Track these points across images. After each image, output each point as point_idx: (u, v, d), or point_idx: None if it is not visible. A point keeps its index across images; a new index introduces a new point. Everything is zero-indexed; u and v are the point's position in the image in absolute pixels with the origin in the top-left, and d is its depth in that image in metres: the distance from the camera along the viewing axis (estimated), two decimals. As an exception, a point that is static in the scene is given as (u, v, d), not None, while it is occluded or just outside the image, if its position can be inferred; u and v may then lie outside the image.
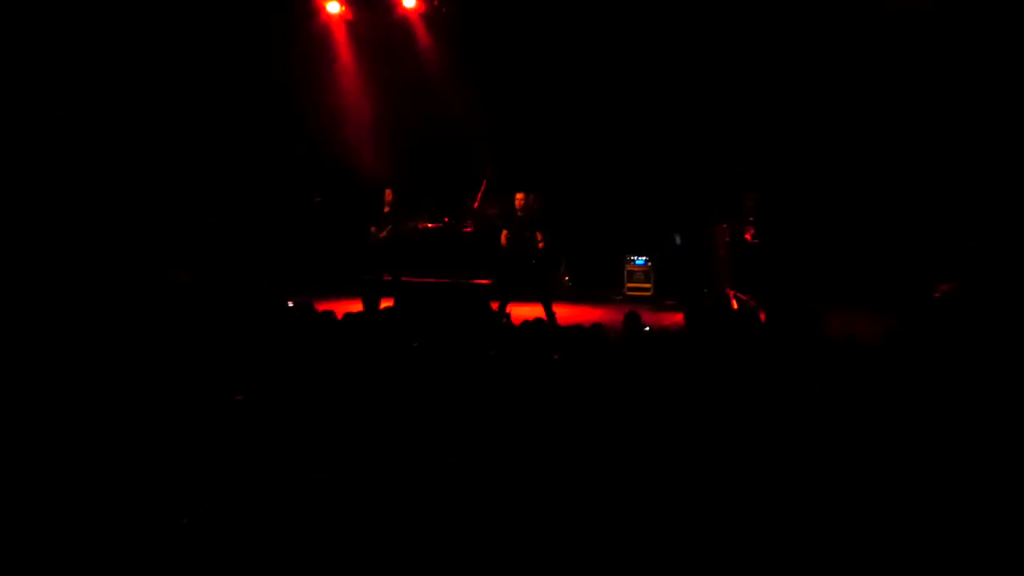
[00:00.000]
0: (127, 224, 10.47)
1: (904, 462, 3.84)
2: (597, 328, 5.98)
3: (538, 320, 6.89)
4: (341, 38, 12.41)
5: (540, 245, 9.00)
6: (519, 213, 9.20)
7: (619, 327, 6.63)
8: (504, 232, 9.36)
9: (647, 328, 6.49)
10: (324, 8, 12.12)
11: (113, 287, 8.11)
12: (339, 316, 6.45)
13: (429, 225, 10.16)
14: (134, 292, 7.65)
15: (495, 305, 8.88)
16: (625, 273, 11.66)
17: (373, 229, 9.99)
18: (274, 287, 10.44)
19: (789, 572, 3.12)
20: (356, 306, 9.48)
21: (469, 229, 12.34)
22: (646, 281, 11.54)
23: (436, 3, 12.11)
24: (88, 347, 4.79)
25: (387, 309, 8.59)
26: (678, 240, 11.29)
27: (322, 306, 7.56)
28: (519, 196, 9.19)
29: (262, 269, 11.43)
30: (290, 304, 7.45)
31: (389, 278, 10.40)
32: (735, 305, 9.51)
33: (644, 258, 11.59)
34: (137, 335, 5.25)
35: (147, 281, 8.79)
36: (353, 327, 6.24)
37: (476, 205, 12.22)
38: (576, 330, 5.96)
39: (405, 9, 12.09)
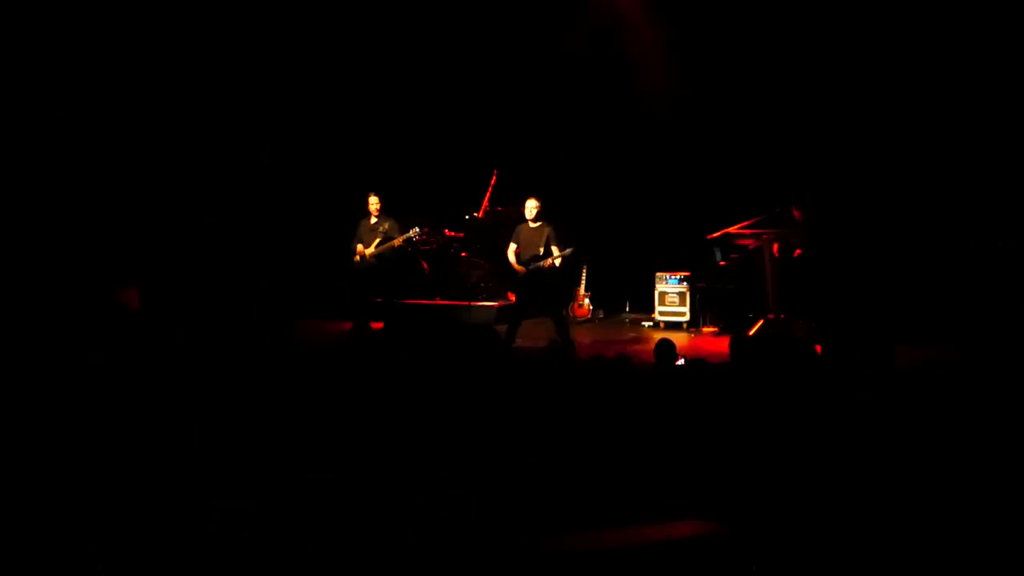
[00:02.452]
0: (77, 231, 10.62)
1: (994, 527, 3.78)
2: (622, 359, 5.96)
3: (554, 348, 6.80)
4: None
5: (556, 260, 9.00)
6: (531, 222, 9.21)
7: (649, 358, 6.60)
8: (512, 245, 9.37)
9: (682, 360, 6.40)
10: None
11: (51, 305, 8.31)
12: (327, 341, 6.50)
13: (416, 236, 10.08)
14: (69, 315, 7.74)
15: (502, 329, 8.87)
16: (656, 294, 11.63)
17: (359, 251, 9.96)
18: (247, 313, 10.64)
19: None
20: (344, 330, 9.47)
21: (464, 254, 12.41)
22: (681, 304, 11.50)
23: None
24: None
25: (375, 336, 8.56)
26: (719, 256, 11.23)
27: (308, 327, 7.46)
28: (531, 202, 9.17)
29: (231, 293, 11.64)
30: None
31: (379, 300, 10.41)
32: (785, 333, 9.47)
33: (679, 277, 11.55)
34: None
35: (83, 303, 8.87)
36: (336, 362, 6.37)
37: (481, 213, 12.33)
38: (598, 361, 5.91)
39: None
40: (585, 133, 12.70)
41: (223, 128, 11.92)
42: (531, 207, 9.17)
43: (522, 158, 12.60)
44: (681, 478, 4.41)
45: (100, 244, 10.79)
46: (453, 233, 12.48)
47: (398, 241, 9.81)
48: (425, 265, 12.22)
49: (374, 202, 10.05)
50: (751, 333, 9.48)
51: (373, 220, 10.12)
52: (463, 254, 12.35)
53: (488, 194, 12.41)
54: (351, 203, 11.08)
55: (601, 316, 12.52)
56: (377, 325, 9.94)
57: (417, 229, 9.87)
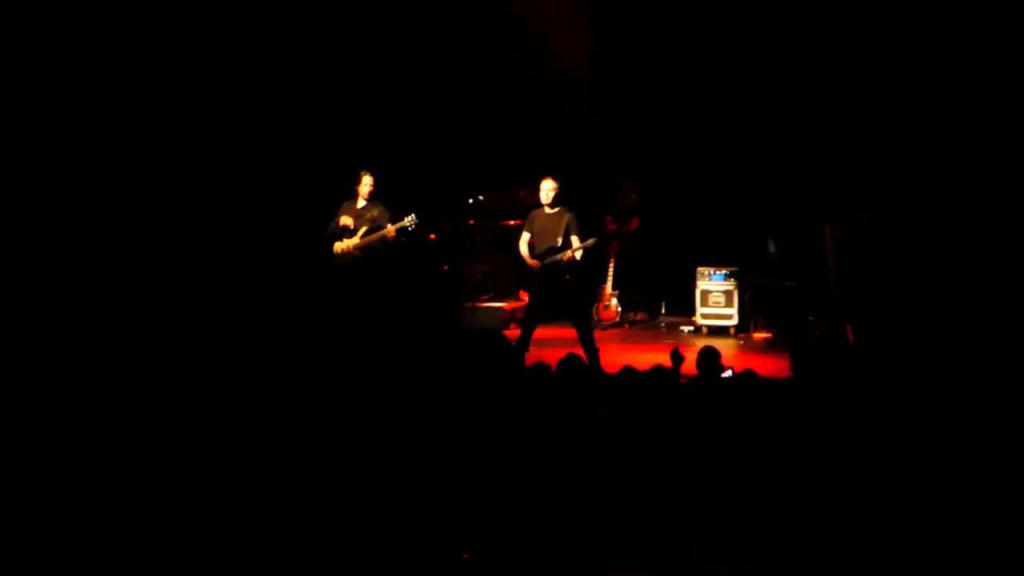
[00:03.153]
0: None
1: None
2: (658, 371, 5.86)
3: (574, 358, 6.79)
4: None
5: (577, 252, 8.98)
6: (547, 207, 9.19)
7: (690, 370, 6.57)
8: (525, 235, 9.36)
9: (728, 372, 6.37)
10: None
11: None
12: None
13: (412, 226, 10.07)
14: None
15: (513, 335, 8.88)
16: (698, 293, 11.58)
17: (340, 232, 9.93)
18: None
19: None
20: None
21: (478, 231, 12.42)
22: (727, 305, 11.45)
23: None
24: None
25: (356, 348, 8.57)
26: (773, 248, 11.17)
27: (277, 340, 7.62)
28: (547, 183, 9.15)
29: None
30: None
31: (365, 302, 10.40)
32: (852, 339, 9.37)
33: (725, 272, 11.49)
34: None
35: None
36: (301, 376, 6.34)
37: (487, 196, 12.32)
38: (627, 374, 5.86)
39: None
40: (609, 97, 12.65)
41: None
42: (547, 189, 9.11)
43: (535, 129, 12.59)
44: (724, 515, 4.44)
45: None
46: (452, 220, 12.49)
47: (391, 231, 9.77)
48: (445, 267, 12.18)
49: (367, 183, 9.98)
50: (813, 340, 9.43)
51: (360, 204, 10.08)
52: (467, 245, 12.36)
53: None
54: (325, 183, 11.13)
55: (640, 319, 12.49)
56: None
57: (414, 217, 9.84)
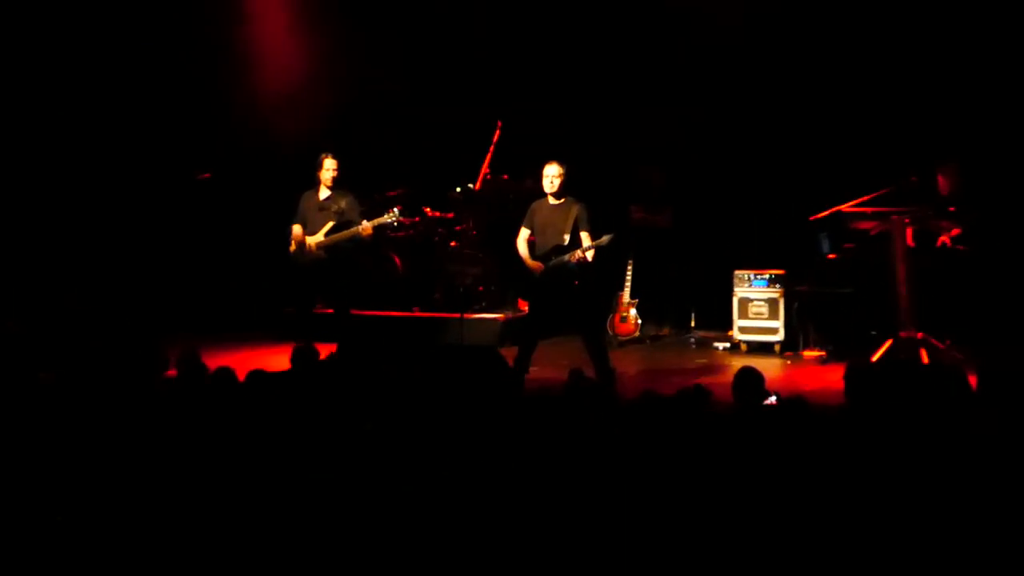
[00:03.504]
0: None
1: None
2: (686, 397, 5.91)
3: (583, 381, 6.76)
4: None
5: (588, 252, 8.96)
6: (551, 198, 9.18)
7: (725, 395, 6.53)
8: (525, 231, 9.37)
9: (772, 399, 6.34)
10: None
11: None
12: (242, 375, 6.60)
13: (396, 221, 10.08)
14: None
15: (510, 353, 8.83)
16: (735, 302, 11.57)
17: (299, 237, 9.93)
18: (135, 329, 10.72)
19: None
20: (279, 358, 9.47)
21: (467, 226, 12.41)
22: (771, 316, 11.43)
23: None
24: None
25: (326, 361, 8.54)
26: (827, 246, 11.17)
27: (219, 358, 7.71)
28: (551, 169, 9.13)
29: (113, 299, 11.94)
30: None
31: (330, 311, 10.40)
32: (927, 359, 9.40)
33: (768, 276, 11.50)
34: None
35: None
36: (265, 396, 6.33)
37: (479, 185, 12.32)
38: (649, 400, 5.84)
39: None
40: (628, 69, 12.68)
41: None
42: (551, 176, 9.10)
43: (539, 107, 12.56)
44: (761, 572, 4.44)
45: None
46: (438, 213, 12.48)
47: (367, 229, 9.76)
48: (397, 260, 12.27)
49: (330, 167, 9.97)
50: (875, 359, 9.39)
51: (323, 194, 10.05)
52: (452, 243, 12.34)
53: (489, 157, 12.41)
54: (283, 171, 11.24)
55: (665, 334, 12.49)
56: (326, 348, 9.90)
57: (396, 211, 9.85)
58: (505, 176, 12.39)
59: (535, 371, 9.16)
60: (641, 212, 12.51)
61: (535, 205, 9.33)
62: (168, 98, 12.96)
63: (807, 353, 11.08)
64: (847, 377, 6.32)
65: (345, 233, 9.86)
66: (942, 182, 10.05)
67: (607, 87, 12.81)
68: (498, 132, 12.43)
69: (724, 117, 12.35)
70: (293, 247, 10.04)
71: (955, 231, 9.99)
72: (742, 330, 11.53)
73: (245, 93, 12.90)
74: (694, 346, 11.95)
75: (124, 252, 12.87)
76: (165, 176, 13.00)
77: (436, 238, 12.46)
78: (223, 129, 12.98)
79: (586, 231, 9.04)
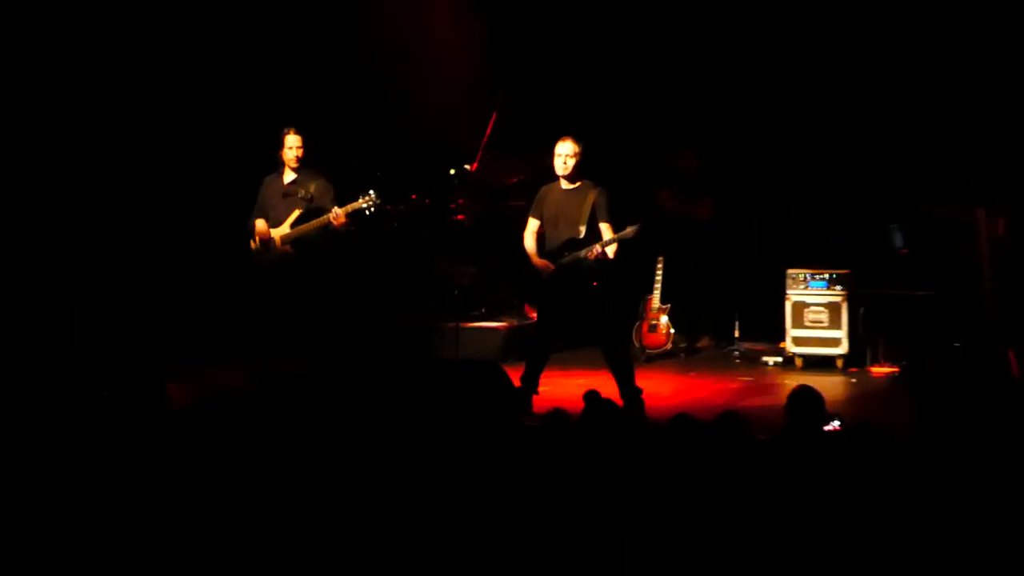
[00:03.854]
0: None
1: None
2: (729, 422, 5.91)
3: (603, 403, 6.76)
4: None
5: (608, 248, 8.97)
6: (564, 181, 9.19)
7: (776, 420, 6.56)
8: (533, 222, 9.39)
9: (835, 424, 6.34)
10: None
11: None
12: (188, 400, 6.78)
13: (373, 207, 10.06)
14: None
15: (516, 369, 8.86)
16: (788, 307, 11.59)
17: (263, 232, 9.93)
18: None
19: None
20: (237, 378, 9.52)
21: (462, 217, 12.43)
22: (832, 324, 11.44)
23: None
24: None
25: (293, 380, 8.57)
26: (900, 241, 11.16)
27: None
28: (565, 146, 9.13)
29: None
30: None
31: (300, 320, 10.40)
32: (1018, 373, 9.42)
33: (829, 276, 11.51)
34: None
35: None
36: (218, 426, 6.38)
37: (476, 166, 12.33)
38: (683, 425, 5.85)
39: None
40: (657, 25, 12.72)
41: None
42: (565, 155, 9.11)
43: (549, 75, 12.61)
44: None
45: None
46: (427, 200, 12.50)
47: (339, 217, 9.75)
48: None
49: (293, 144, 9.98)
50: (954, 376, 9.38)
51: (288, 178, 10.07)
52: (444, 237, 12.38)
53: (489, 130, 12.45)
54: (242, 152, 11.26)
55: (703, 346, 12.52)
56: (293, 364, 9.93)
57: (372, 195, 9.83)
58: (508, 156, 12.39)
59: (546, 391, 9.20)
60: (674, 199, 12.49)
61: (545, 190, 9.34)
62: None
63: (876, 369, 11.11)
64: (915, 400, 6.34)
65: (313, 223, 9.85)
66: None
67: (632, 48, 12.84)
68: (501, 101, 12.42)
69: (772, 86, 12.40)
70: (254, 243, 10.03)
71: None
72: (797, 341, 11.54)
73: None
74: (738, 360, 11.99)
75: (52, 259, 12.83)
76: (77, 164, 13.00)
77: (425, 231, 12.45)
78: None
79: (606, 222, 9.04)
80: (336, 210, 9.74)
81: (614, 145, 11.78)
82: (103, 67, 12.68)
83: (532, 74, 12.77)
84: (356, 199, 9.82)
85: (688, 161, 12.58)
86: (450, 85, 12.66)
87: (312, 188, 9.96)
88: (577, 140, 9.15)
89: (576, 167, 9.12)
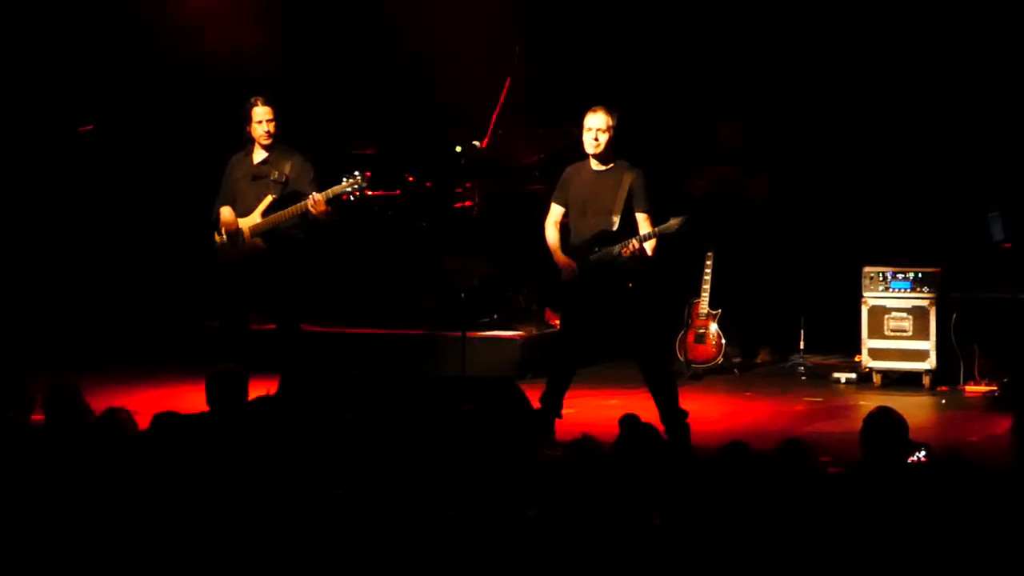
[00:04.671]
0: None
1: None
2: (792, 451, 5.92)
3: (642, 427, 6.81)
4: None
5: (648, 243, 9.01)
6: (595, 163, 9.22)
7: (851, 448, 6.58)
8: (557, 209, 9.43)
9: (921, 454, 6.38)
10: None
11: None
12: (144, 420, 6.67)
13: (359, 191, 10.09)
14: None
15: (535, 388, 8.90)
16: (864, 313, 11.62)
17: (229, 222, 9.95)
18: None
19: None
20: (194, 398, 9.55)
21: (470, 203, 12.47)
22: (918, 334, 11.45)
23: None
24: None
25: (261, 401, 8.62)
26: (1001, 233, 11.16)
27: (107, 398, 7.76)
28: (596, 118, 9.14)
29: None
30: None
31: (271, 326, 10.47)
32: None
33: (913, 276, 11.51)
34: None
35: None
36: (177, 450, 6.40)
37: (486, 142, 12.33)
38: (735, 457, 5.90)
39: None
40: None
41: None
42: (596, 128, 9.12)
43: (577, 27, 12.71)
44: None
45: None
46: (428, 184, 12.58)
47: (318, 204, 9.79)
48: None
49: (263, 117, 10.00)
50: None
51: (259, 157, 10.12)
52: (449, 227, 12.46)
53: (503, 98, 12.53)
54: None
55: (763, 361, 12.56)
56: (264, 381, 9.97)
57: (358, 177, 9.86)
58: (526, 129, 12.42)
59: (571, 414, 9.22)
60: (711, 183, 12.42)
61: (571, 171, 9.36)
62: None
63: (971, 388, 11.13)
64: (1016, 424, 6.36)
65: (288, 211, 9.84)
66: None
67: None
68: (517, 61, 12.46)
69: (838, 48, 12.49)
70: (220, 237, 10.05)
71: None
72: (875, 354, 11.57)
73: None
74: (804, 377, 12.01)
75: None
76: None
77: (425, 221, 12.52)
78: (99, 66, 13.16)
79: (645, 211, 9.05)
80: (315, 195, 9.73)
81: (654, 116, 11.79)
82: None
83: (557, 26, 12.79)
84: (341, 182, 9.83)
85: (730, 134, 12.54)
86: (458, 38, 12.70)
87: (287, 169, 9.96)
88: (611, 111, 9.12)
89: (609, 144, 9.11)
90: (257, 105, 9.96)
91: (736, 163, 12.42)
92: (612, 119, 9.10)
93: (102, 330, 12.71)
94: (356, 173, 9.79)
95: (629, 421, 6.79)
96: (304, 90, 12.44)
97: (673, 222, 8.93)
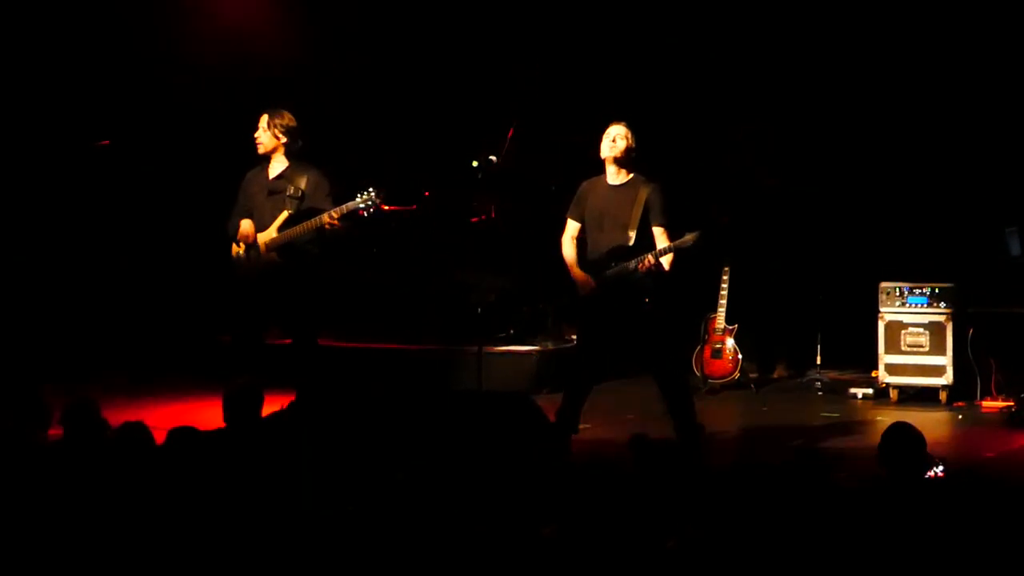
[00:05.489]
0: None
1: None
2: (808, 466, 5.96)
3: (657, 444, 6.80)
4: None
5: (664, 257, 8.99)
6: (611, 176, 9.18)
7: (869, 465, 6.61)
8: (573, 225, 9.41)
9: (938, 469, 6.36)
10: None
11: None
12: (160, 436, 6.70)
13: (372, 206, 10.09)
14: None
15: (551, 403, 8.92)
16: (881, 329, 11.61)
17: (247, 234, 9.95)
18: None
19: None
20: (209, 413, 9.55)
21: (484, 216, 12.47)
22: (935, 349, 11.43)
23: None
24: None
25: (276, 418, 8.63)
26: (1018, 248, 11.12)
27: (124, 413, 7.79)
28: (615, 132, 9.12)
29: None
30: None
31: (287, 341, 10.47)
32: None
33: (930, 291, 11.50)
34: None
35: None
36: (191, 466, 6.41)
37: (502, 158, 12.34)
38: (753, 472, 5.91)
39: None
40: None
41: None
42: (613, 143, 9.12)
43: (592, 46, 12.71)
44: None
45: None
46: (445, 198, 12.59)
47: (332, 219, 9.79)
48: None
49: (269, 132, 10.01)
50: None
51: (274, 171, 10.12)
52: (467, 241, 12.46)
53: (510, 134, 12.47)
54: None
55: (779, 376, 12.58)
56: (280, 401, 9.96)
57: (371, 192, 9.84)
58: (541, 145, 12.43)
59: (587, 429, 9.24)
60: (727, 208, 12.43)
61: (586, 186, 9.33)
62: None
63: (988, 403, 11.11)
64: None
65: (304, 226, 9.82)
66: None
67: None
68: (532, 76, 12.48)
69: (856, 62, 12.49)
70: (238, 249, 10.04)
71: None
72: (891, 369, 11.56)
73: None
74: (820, 393, 12.01)
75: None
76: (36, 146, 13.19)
77: (442, 235, 12.54)
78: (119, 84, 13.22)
79: (661, 226, 9.02)
80: (329, 212, 9.70)
81: (670, 131, 11.80)
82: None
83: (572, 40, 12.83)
84: (355, 198, 9.79)
85: (740, 137, 12.57)
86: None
87: (303, 184, 9.93)
88: (629, 126, 9.13)
89: (627, 152, 9.10)
90: (268, 118, 9.97)
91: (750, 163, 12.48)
92: (630, 132, 9.10)
93: (119, 344, 12.73)
94: (370, 189, 9.76)
95: (639, 441, 6.80)
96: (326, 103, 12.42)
97: (689, 237, 8.88)
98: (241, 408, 7.37)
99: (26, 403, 7.62)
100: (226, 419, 7.38)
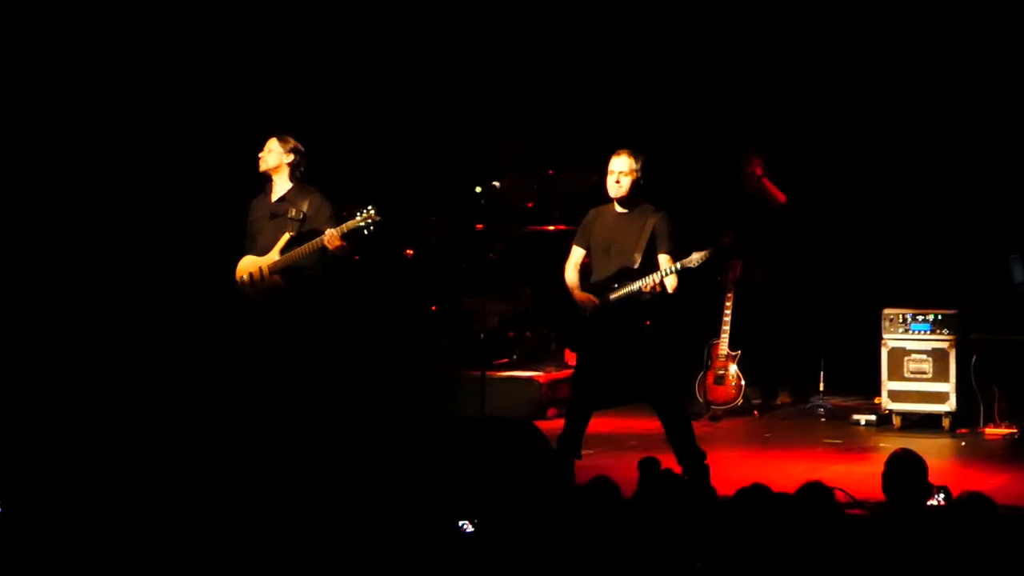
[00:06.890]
0: None
1: None
2: (812, 494, 5.92)
3: (660, 470, 6.81)
4: None
5: (668, 279, 8.95)
6: (618, 207, 9.16)
7: (873, 492, 6.62)
8: (578, 252, 9.37)
9: (940, 497, 6.37)
10: None
11: None
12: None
13: (372, 225, 10.07)
14: None
15: (554, 428, 8.91)
16: (884, 355, 11.59)
17: (248, 266, 9.96)
18: None
19: None
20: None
21: (489, 244, 12.47)
22: (938, 376, 11.41)
23: None
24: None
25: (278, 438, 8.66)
26: (1021, 274, 11.10)
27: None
28: (620, 162, 9.09)
29: None
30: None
31: (290, 364, 10.44)
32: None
33: (933, 317, 11.50)
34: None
35: None
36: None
37: (508, 181, 12.34)
38: (756, 500, 5.88)
39: None
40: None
41: None
42: (619, 172, 9.07)
43: (598, 71, 12.74)
44: None
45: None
46: (447, 225, 12.58)
47: (333, 239, 9.78)
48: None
49: (277, 152, 10.02)
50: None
51: (277, 195, 10.11)
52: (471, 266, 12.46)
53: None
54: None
55: (782, 403, 12.54)
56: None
57: (372, 211, 9.83)
58: (550, 171, 12.41)
59: (590, 456, 9.20)
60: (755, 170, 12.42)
61: (593, 214, 9.31)
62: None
63: (991, 430, 11.10)
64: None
65: (306, 248, 9.79)
66: None
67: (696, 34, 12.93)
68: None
69: (859, 86, 12.53)
70: (242, 275, 10.03)
71: None
72: (895, 396, 11.55)
73: None
74: (823, 419, 12.00)
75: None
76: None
77: (445, 261, 12.54)
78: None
79: (667, 253, 8.98)
80: (330, 231, 9.69)
81: (677, 157, 11.81)
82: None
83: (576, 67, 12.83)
84: (355, 216, 9.76)
85: (749, 165, 12.54)
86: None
87: (305, 206, 9.90)
88: (635, 155, 9.07)
89: (633, 187, 9.04)
90: (274, 142, 9.98)
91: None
92: (637, 163, 9.03)
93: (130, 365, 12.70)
94: (370, 207, 9.75)
95: (648, 464, 6.80)
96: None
97: (695, 256, 8.83)
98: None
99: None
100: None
